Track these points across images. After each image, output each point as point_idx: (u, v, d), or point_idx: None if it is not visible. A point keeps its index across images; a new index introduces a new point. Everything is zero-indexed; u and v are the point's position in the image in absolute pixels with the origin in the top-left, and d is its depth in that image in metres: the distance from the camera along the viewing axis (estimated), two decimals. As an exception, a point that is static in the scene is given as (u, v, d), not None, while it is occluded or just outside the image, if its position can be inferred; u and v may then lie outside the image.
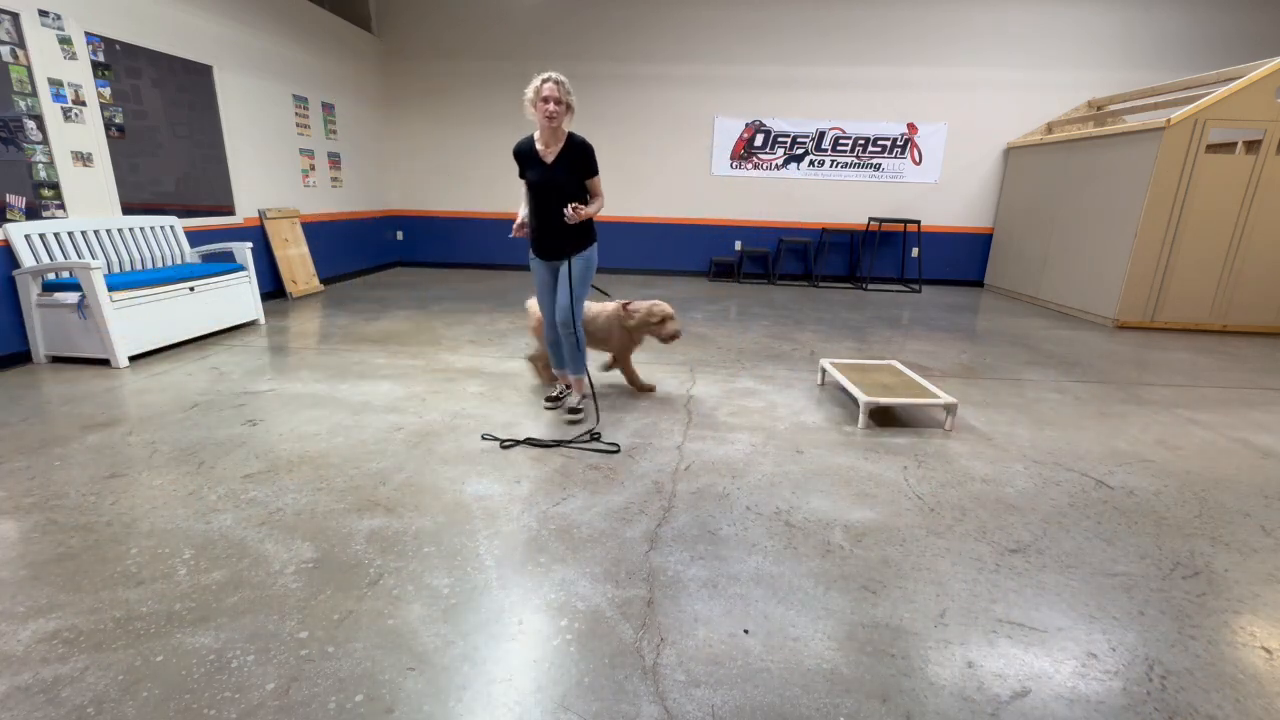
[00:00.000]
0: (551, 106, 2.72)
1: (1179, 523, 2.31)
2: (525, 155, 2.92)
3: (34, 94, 3.83)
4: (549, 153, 2.87)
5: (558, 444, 2.84)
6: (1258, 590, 1.92)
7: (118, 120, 4.44)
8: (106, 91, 4.33)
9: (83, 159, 4.15)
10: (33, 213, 3.88)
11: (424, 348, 4.43)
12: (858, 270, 8.32)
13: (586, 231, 3.02)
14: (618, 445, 2.84)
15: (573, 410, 3.14)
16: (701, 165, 8.09)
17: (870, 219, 8.05)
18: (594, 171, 2.96)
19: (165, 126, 4.90)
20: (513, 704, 1.41)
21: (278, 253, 6.07)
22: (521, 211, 3.06)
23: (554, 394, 3.34)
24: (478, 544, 2.04)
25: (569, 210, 2.78)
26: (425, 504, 2.29)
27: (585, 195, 2.96)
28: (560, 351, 3.24)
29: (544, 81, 2.72)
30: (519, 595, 1.79)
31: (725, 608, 1.76)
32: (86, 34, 4.16)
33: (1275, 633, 1.73)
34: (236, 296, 4.78)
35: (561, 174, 2.87)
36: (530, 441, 2.85)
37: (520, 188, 3.05)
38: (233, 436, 2.83)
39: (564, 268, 3.02)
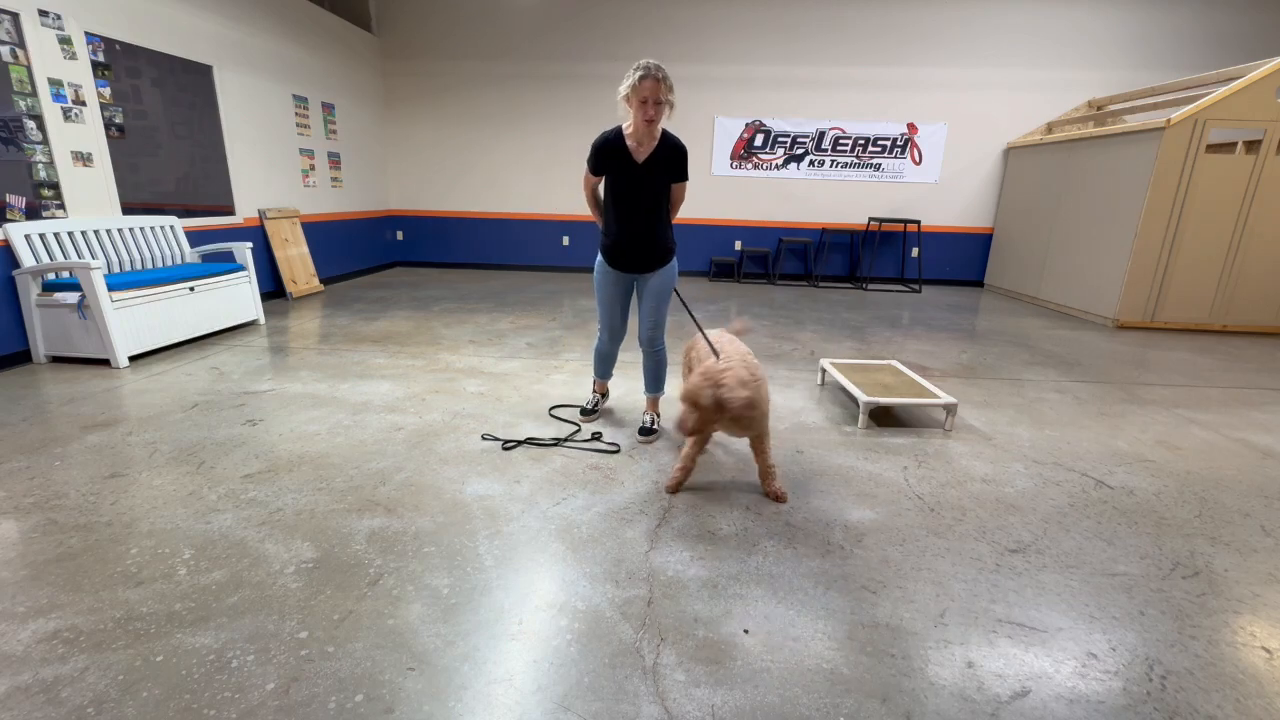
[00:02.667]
0: (651, 109, 2.41)
1: (1179, 523, 2.31)
2: (612, 151, 2.58)
3: (34, 94, 3.83)
4: (642, 151, 2.57)
5: (558, 443, 2.84)
6: (1258, 590, 1.92)
7: (118, 120, 4.44)
8: (106, 91, 4.33)
9: (83, 159, 4.15)
10: (33, 213, 3.88)
11: (424, 348, 4.43)
12: (858, 270, 8.32)
13: (671, 241, 2.78)
14: (618, 445, 2.84)
15: (647, 431, 2.93)
16: (702, 165, 8.09)
17: (870, 219, 8.05)
18: (685, 176, 2.69)
19: (165, 126, 4.90)
20: (513, 704, 1.41)
21: (278, 253, 6.07)
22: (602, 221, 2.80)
23: (592, 406, 3.13)
24: (478, 544, 2.04)
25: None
26: (425, 504, 2.29)
27: (668, 200, 2.72)
28: (611, 362, 3.12)
29: (643, 79, 2.38)
30: (519, 595, 1.79)
31: (725, 608, 1.76)
32: (86, 34, 4.16)
33: (1275, 633, 1.73)
34: (236, 296, 4.78)
35: (653, 177, 2.60)
36: (531, 441, 2.85)
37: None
38: (233, 436, 2.83)
39: (657, 280, 2.78)
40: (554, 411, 3.23)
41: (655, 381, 3.05)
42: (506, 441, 2.83)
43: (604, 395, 3.26)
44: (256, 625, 1.64)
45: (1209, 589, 1.92)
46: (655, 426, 2.99)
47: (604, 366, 3.16)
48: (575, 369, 4.00)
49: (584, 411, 3.14)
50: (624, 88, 2.44)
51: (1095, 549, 2.12)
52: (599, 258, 2.84)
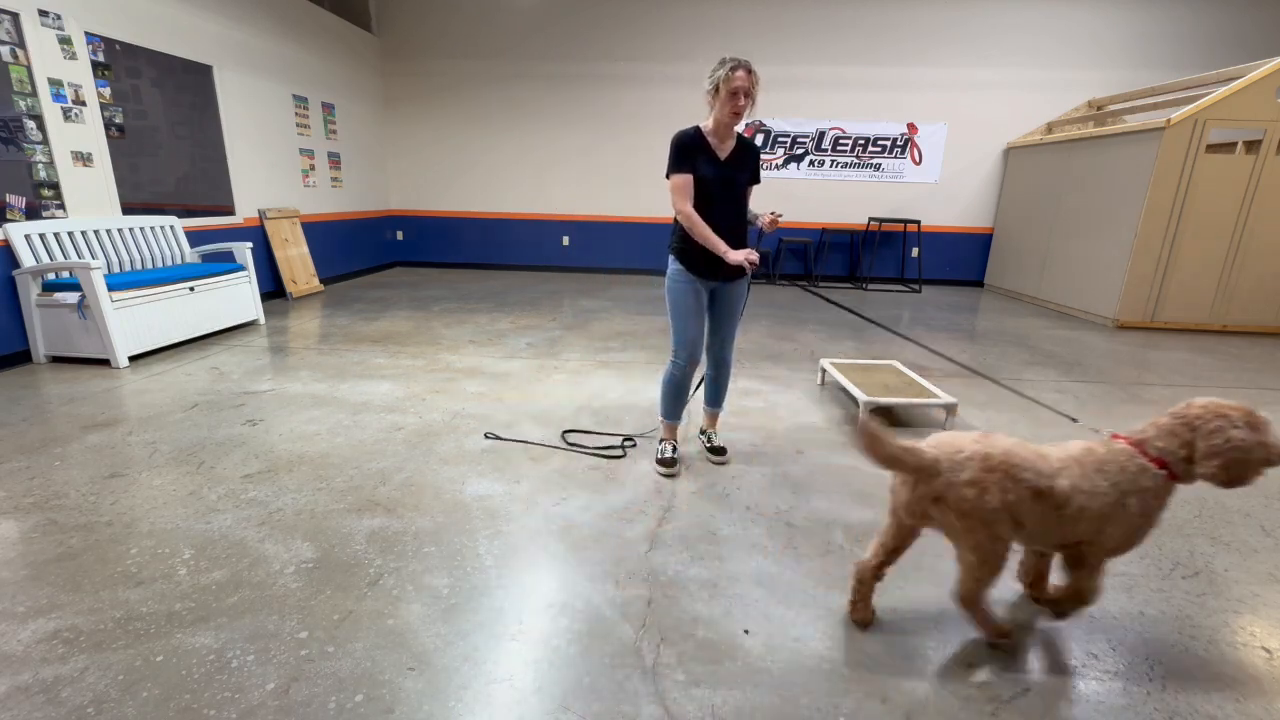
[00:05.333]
0: (742, 101, 2.29)
1: (1179, 523, 2.31)
2: (697, 148, 2.39)
3: (34, 94, 3.83)
4: (724, 149, 2.42)
5: (601, 452, 2.83)
6: (1258, 590, 1.92)
7: (118, 120, 4.44)
8: (106, 91, 4.33)
9: (83, 159, 4.15)
10: (33, 213, 3.88)
11: (424, 348, 4.43)
12: (858, 270, 8.31)
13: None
14: (623, 450, 2.84)
15: (721, 450, 2.74)
16: (701, 165, 8.08)
17: (870, 219, 8.05)
18: (758, 178, 2.53)
19: (165, 126, 4.90)
20: (513, 704, 1.41)
21: (278, 253, 6.07)
22: (717, 242, 2.34)
23: (670, 455, 2.64)
24: (478, 544, 2.04)
25: (766, 219, 2.33)
26: (425, 504, 2.29)
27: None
28: (684, 399, 2.66)
29: (734, 69, 2.25)
30: (519, 595, 1.79)
31: (725, 608, 1.76)
32: (86, 34, 4.16)
33: (1275, 633, 1.73)
34: (236, 296, 4.78)
35: (738, 175, 2.44)
36: (573, 445, 2.84)
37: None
38: (233, 436, 2.83)
39: (738, 289, 2.56)
40: (568, 436, 2.93)
41: (719, 395, 2.80)
42: (504, 438, 2.83)
43: (675, 444, 2.71)
44: (256, 625, 1.64)
45: (1209, 589, 1.92)
46: (724, 445, 2.79)
47: (678, 403, 2.65)
48: (575, 369, 4.00)
49: (662, 462, 2.62)
50: (710, 82, 2.33)
51: (1095, 549, 2.11)
52: (676, 267, 2.50)
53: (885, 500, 2.39)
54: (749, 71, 2.27)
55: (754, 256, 2.30)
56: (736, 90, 2.26)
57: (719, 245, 2.33)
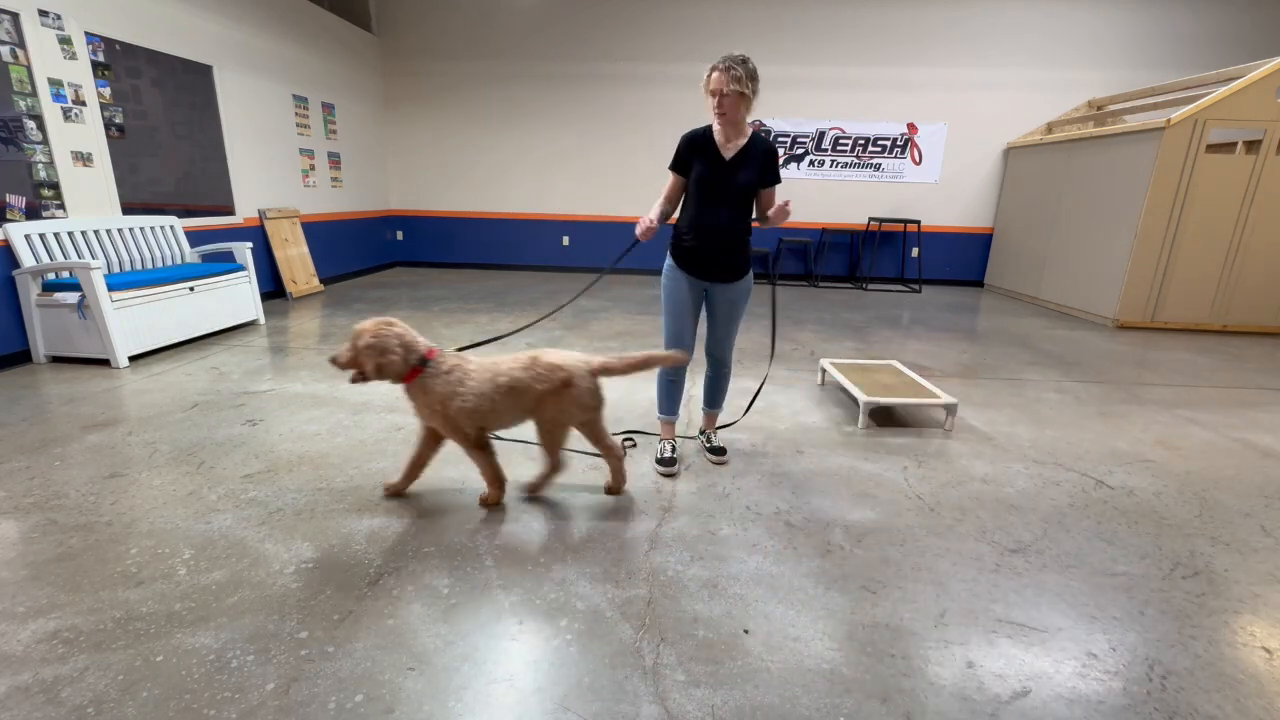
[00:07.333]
0: (722, 103, 2.27)
1: (1179, 523, 2.31)
2: (700, 146, 2.41)
3: (34, 94, 3.83)
4: (730, 148, 2.40)
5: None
6: (1258, 590, 1.92)
7: (118, 120, 4.44)
8: (106, 91, 4.33)
9: (83, 159, 4.15)
10: (33, 213, 3.88)
11: (424, 348, 4.42)
12: (858, 270, 8.32)
13: (750, 250, 2.54)
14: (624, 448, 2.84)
15: (720, 450, 2.75)
16: (701, 165, 8.08)
17: (870, 219, 8.05)
18: (776, 179, 2.47)
19: (165, 126, 4.90)
20: (513, 704, 1.41)
21: (278, 253, 6.07)
22: (653, 212, 2.45)
23: (670, 455, 2.64)
24: (478, 544, 2.04)
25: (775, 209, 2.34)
26: (425, 504, 2.29)
27: (752, 206, 2.49)
28: (678, 393, 2.70)
29: (711, 70, 2.26)
30: (519, 595, 1.79)
31: (725, 608, 1.76)
32: (86, 34, 4.16)
33: (1275, 633, 1.73)
34: (236, 296, 4.78)
35: (741, 175, 2.39)
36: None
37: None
38: (233, 436, 2.83)
39: (737, 290, 2.55)
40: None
41: (717, 396, 2.81)
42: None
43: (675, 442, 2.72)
44: (256, 625, 1.64)
45: (1209, 589, 1.92)
46: (723, 445, 2.81)
47: (673, 399, 2.69)
48: (575, 369, 4.00)
49: (662, 462, 2.62)
50: (702, 84, 2.34)
51: (1095, 549, 2.12)
52: (669, 261, 2.55)
53: (886, 500, 2.40)
54: (724, 70, 2.23)
55: (647, 232, 2.38)
56: (713, 91, 2.28)
57: (639, 227, 2.40)
